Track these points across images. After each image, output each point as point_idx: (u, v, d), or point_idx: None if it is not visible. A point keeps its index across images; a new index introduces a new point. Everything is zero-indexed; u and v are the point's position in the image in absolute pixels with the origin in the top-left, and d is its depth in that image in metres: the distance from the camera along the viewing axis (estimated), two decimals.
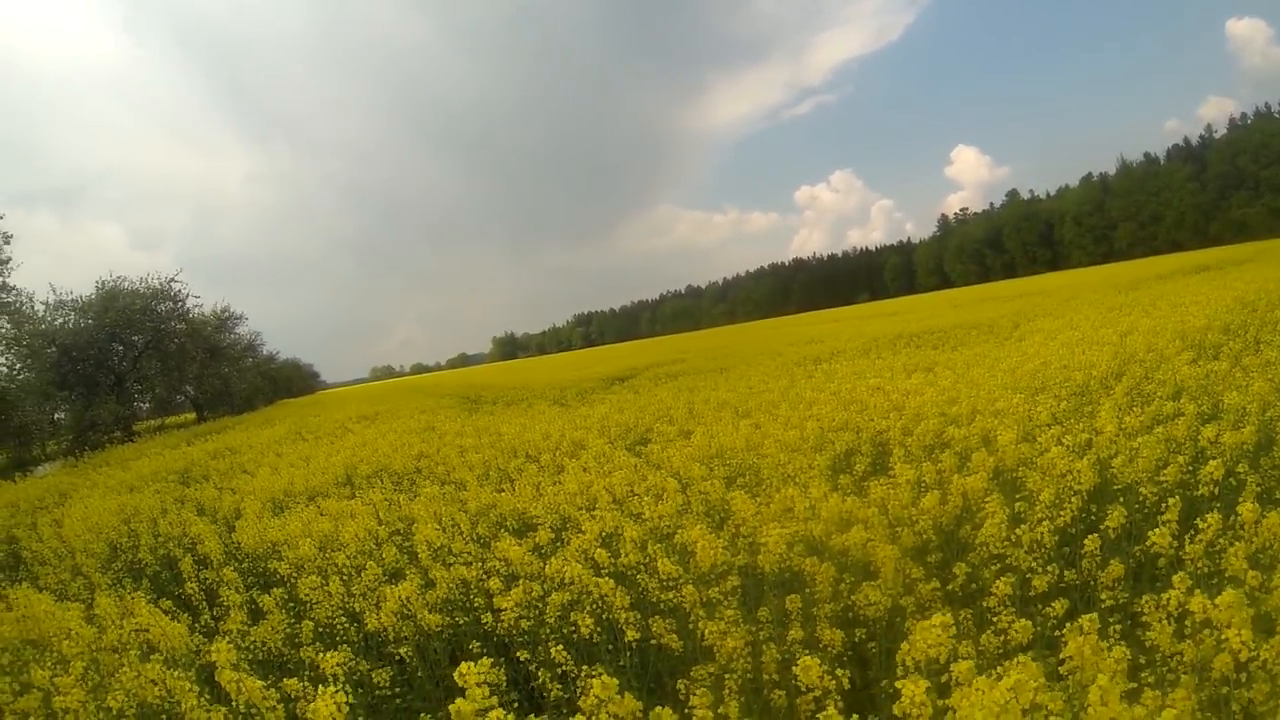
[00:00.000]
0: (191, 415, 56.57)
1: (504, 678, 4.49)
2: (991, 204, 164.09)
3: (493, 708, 3.16)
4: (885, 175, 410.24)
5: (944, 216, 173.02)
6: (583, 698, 3.67)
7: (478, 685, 3.26)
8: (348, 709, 3.50)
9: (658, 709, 3.49)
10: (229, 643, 4.79)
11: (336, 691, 3.47)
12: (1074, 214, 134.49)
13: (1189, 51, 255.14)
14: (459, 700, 3.19)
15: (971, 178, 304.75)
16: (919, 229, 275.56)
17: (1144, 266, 61.64)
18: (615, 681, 3.45)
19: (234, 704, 4.37)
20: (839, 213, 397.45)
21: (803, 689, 3.96)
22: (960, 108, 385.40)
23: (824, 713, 3.22)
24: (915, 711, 2.98)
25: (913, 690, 3.01)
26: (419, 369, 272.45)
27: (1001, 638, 4.55)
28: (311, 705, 3.56)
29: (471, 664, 3.31)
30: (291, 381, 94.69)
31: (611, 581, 5.44)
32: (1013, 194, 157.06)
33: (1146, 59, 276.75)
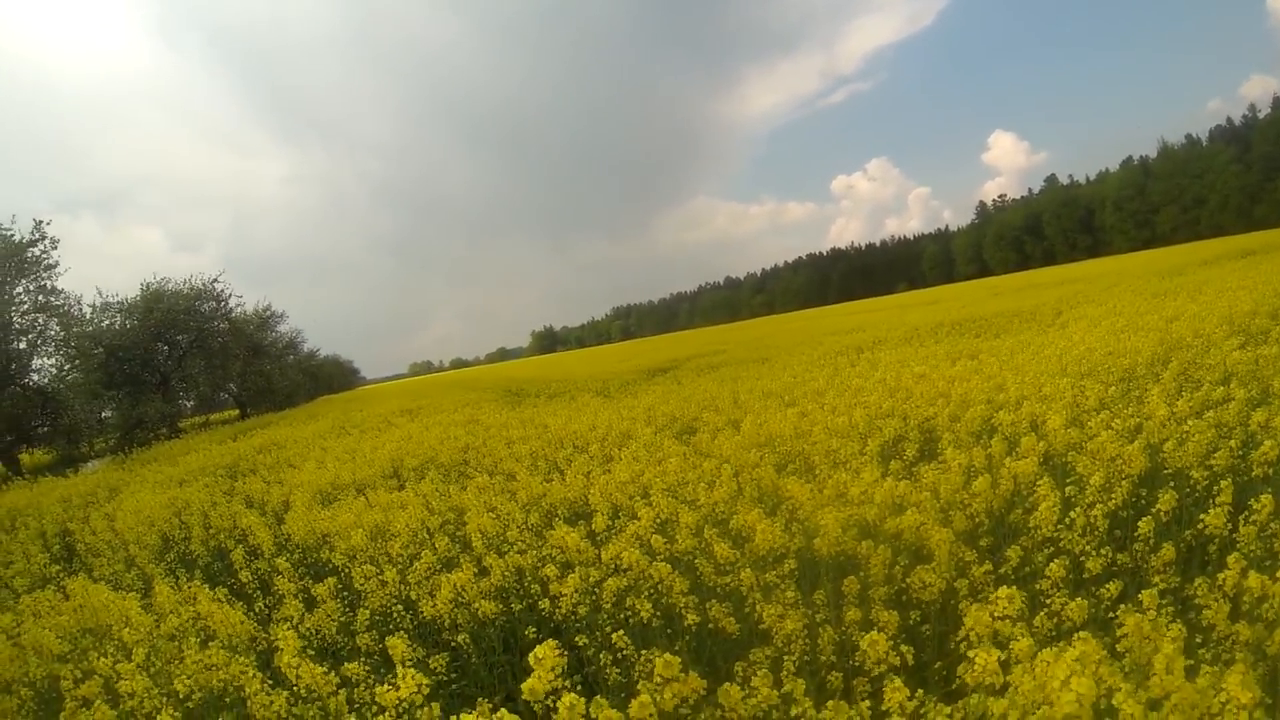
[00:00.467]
0: (235, 412, 57.35)
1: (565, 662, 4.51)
2: (1030, 190, 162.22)
3: (565, 689, 3.16)
4: (922, 163, 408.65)
5: (982, 204, 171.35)
6: (641, 682, 3.66)
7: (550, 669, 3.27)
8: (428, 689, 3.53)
9: (726, 685, 3.49)
10: (289, 629, 4.84)
11: (416, 674, 3.49)
12: (1114, 199, 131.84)
13: (1230, 29, 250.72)
14: (531, 679, 3.19)
15: (1009, 164, 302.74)
16: (957, 217, 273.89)
17: (1187, 252, 60.65)
18: (678, 660, 3.45)
19: (295, 688, 4.39)
20: (876, 202, 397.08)
21: (867, 665, 3.97)
22: (996, 92, 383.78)
23: (891, 684, 3.18)
24: (988, 679, 2.97)
25: (985, 659, 3.01)
26: (458, 364, 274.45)
27: (1054, 620, 4.54)
28: (380, 689, 3.61)
29: (544, 645, 3.32)
30: (332, 378, 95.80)
31: (668, 566, 5.45)
32: (1051, 179, 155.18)
33: (1186, 38, 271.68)
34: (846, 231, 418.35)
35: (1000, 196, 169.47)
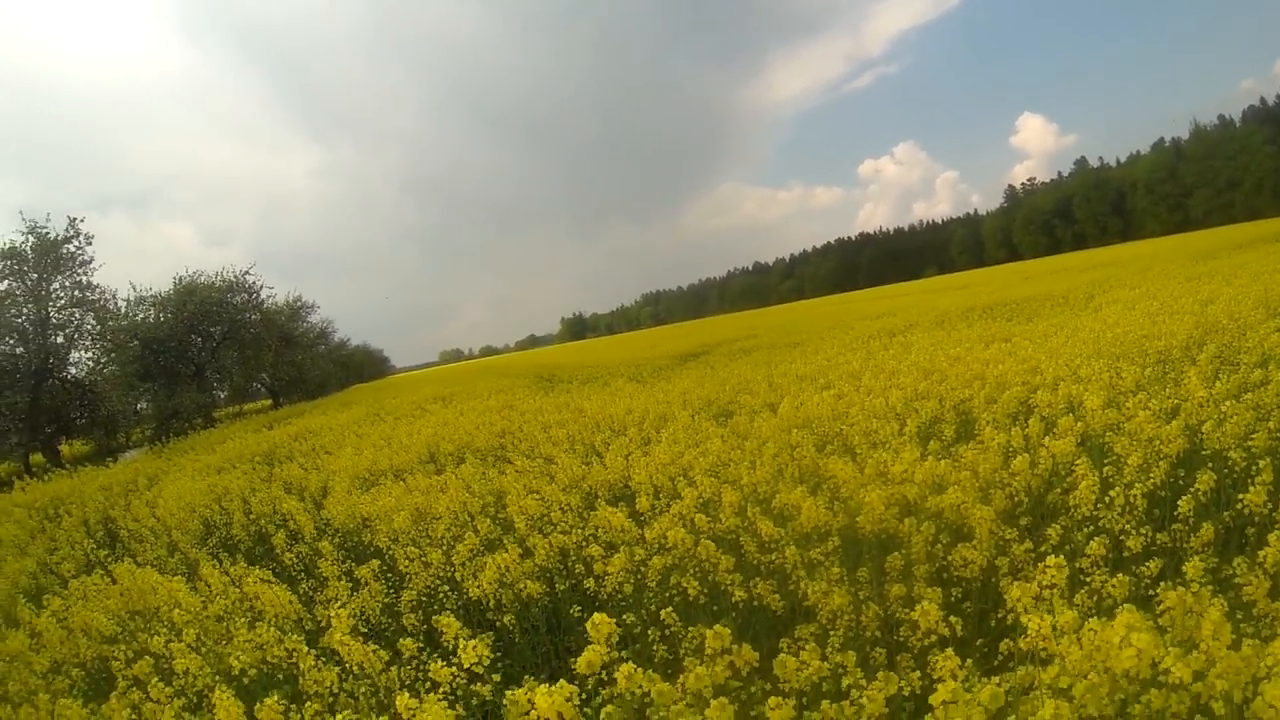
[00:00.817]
0: (267, 401, 57.85)
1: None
2: (1059, 173, 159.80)
3: (622, 659, 3.17)
4: (949, 146, 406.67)
5: (1011, 187, 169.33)
6: (687, 659, 3.67)
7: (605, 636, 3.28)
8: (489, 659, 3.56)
9: (781, 656, 3.49)
10: (340, 607, 4.91)
11: (478, 645, 3.52)
12: (1146, 181, 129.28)
13: (1263, 6, 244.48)
14: (588, 651, 3.21)
15: (1038, 146, 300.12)
16: (985, 201, 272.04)
17: (1221, 235, 59.88)
18: (728, 631, 3.46)
19: (346, 664, 4.45)
20: (903, 186, 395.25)
21: (916, 636, 4.01)
22: (1024, 74, 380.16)
23: (943, 654, 3.20)
24: (1041, 643, 3.02)
25: (1038, 623, 3.04)
26: (488, 351, 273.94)
27: (1094, 598, 4.54)
28: (434, 665, 3.65)
29: (598, 615, 3.33)
30: (363, 367, 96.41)
31: (713, 544, 5.48)
32: (1081, 162, 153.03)
33: (1218, 16, 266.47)
34: (874, 216, 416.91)
35: (1029, 180, 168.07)
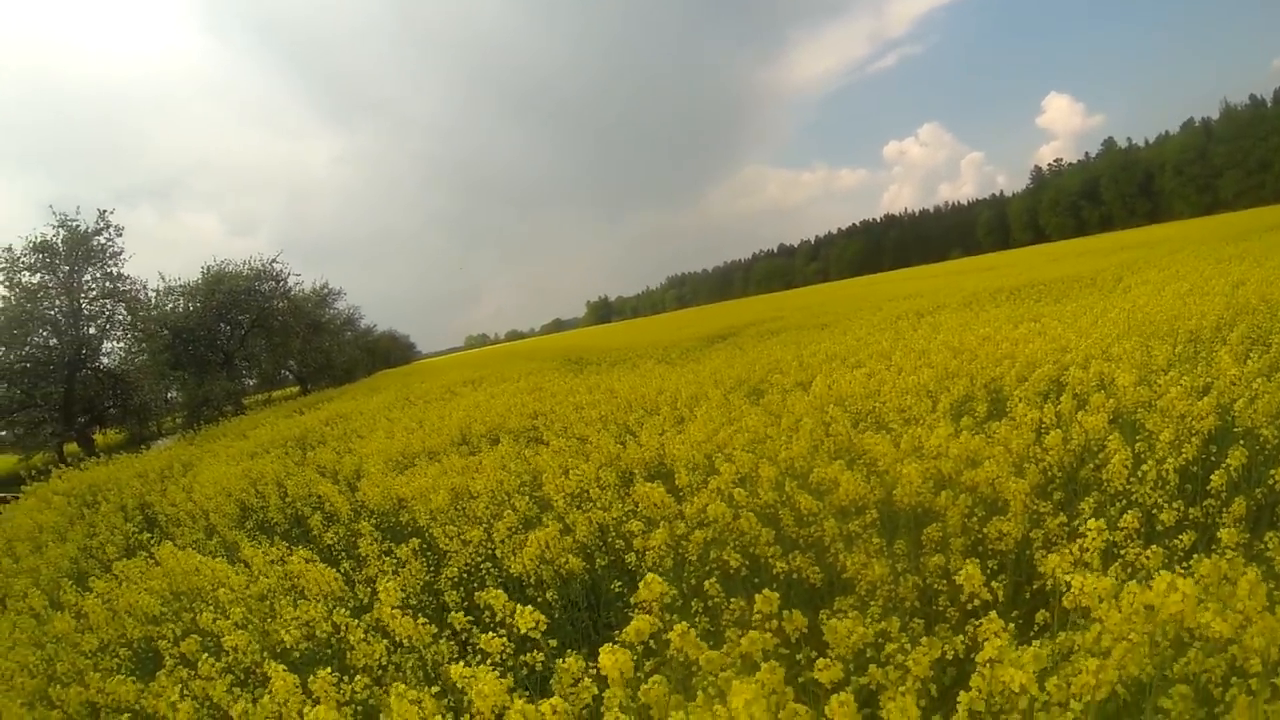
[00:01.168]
0: (295, 388, 58.23)
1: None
2: (1087, 154, 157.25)
3: (673, 625, 3.21)
4: (975, 127, 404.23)
5: (1037, 168, 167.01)
6: (729, 630, 3.70)
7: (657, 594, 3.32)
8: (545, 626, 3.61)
9: (831, 621, 3.53)
10: (388, 581, 4.99)
11: (533, 610, 3.57)
12: (1175, 163, 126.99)
13: None
14: (636, 619, 3.25)
15: (1064, 127, 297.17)
16: (1011, 182, 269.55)
17: (1252, 217, 59.08)
18: (776, 596, 3.50)
19: (395, 637, 4.54)
20: (928, 167, 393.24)
21: (961, 598, 4.09)
22: (1050, 53, 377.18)
23: (988, 617, 3.26)
24: (1085, 600, 3.07)
25: (1081, 581, 3.10)
26: (514, 335, 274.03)
27: (1128, 570, 4.56)
28: (484, 637, 3.71)
29: (651, 575, 3.37)
30: (389, 352, 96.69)
31: (754, 517, 5.53)
32: (1109, 143, 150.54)
33: None
34: (899, 198, 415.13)
35: (1056, 161, 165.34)
